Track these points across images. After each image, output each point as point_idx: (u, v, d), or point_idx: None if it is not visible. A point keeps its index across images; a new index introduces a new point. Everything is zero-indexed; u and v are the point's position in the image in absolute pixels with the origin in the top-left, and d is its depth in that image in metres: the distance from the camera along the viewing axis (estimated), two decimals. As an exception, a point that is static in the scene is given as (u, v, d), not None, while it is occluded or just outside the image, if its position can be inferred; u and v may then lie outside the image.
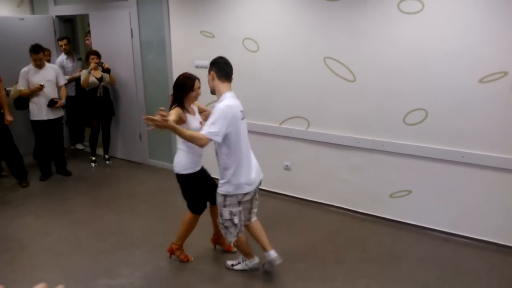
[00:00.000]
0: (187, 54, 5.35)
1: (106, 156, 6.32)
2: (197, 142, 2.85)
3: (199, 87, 3.41)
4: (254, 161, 3.21)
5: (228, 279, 3.39)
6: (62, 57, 6.49)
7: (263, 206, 4.72)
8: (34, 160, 6.15)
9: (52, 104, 5.38)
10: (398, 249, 3.81)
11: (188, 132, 2.88)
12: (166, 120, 2.70)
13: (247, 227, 3.36)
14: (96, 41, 6.27)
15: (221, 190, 3.06)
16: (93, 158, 6.22)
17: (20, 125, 5.71)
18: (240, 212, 3.10)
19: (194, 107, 3.54)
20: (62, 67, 6.36)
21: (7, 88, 5.50)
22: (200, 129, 3.09)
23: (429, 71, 3.80)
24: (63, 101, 5.52)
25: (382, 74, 4.04)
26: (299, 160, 4.79)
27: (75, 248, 3.89)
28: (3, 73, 5.35)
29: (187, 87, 3.33)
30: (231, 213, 3.07)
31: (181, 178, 3.43)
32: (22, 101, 5.47)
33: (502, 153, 3.64)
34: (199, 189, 3.48)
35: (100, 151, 6.38)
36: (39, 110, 5.38)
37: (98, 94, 5.88)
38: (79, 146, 7.08)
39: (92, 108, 5.99)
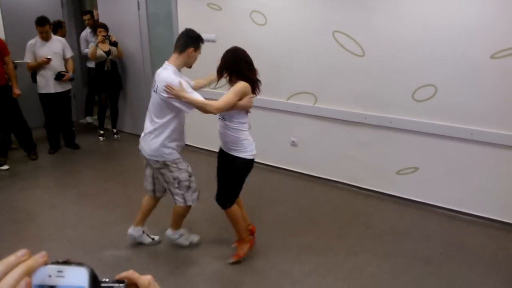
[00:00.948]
0: (194, 27, 5.23)
1: (114, 130, 6.34)
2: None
3: None
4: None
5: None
6: (87, 31, 6.55)
7: (269, 181, 4.75)
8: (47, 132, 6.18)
9: (59, 77, 5.38)
10: (403, 225, 3.81)
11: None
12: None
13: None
14: (103, 14, 6.22)
15: None
16: (101, 132, 6.25)
17: (29, 98, 5.73)
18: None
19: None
20: (86, 40, 6.48)
21: (15, 61, 5.50)
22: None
23: (439, 46, 3.71)
24: (70, 74, 5.51)
25: (392, 49, 3.96)
26: (306, 136, 4.76)
27: (82, 219, 3.94)
28: (11, 46, 5.34)
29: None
30: None
31: (244, 163, 3.14)
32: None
33: (510, 131, 3.58)
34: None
35: (108, 125, 6.41)
36: (46, 83, 5.39)
37: (106, 68, 5.87)
38: (88, 119, 7.12)
39: (100, 82, 5.98)
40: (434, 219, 3.92)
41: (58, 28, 5.94)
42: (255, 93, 3.06)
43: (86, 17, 6.57)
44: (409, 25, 3.81)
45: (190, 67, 3.15)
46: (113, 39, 5.86)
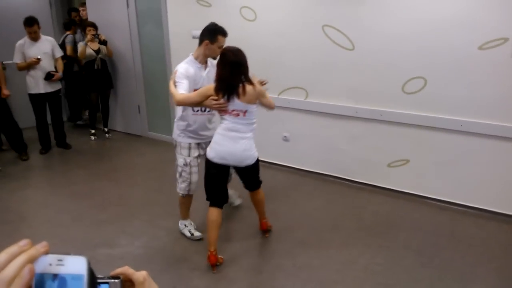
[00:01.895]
0: (184, 24, 5.28)
1: (106, 129, 6.31)
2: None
3: None
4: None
5: (225, 247, 3.43)
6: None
7: (262, 177, 4.74)
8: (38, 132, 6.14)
9: (49, 77, 5.34)
10: (395, 217, 3.84)
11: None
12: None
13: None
14: (92, 12, 6.18)
15: None
16: (93, 131, 6.22)
17: (19, 98, 5.69)
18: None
19: None
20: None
21: (4, 62, 5.47)
22: None
23: (428, 38, 3.73)
24: (60, 74, 5.47)
25: (381, 43, 3.98)
26: (298, 131, 4.77)
27: (75, 219, 3.93)
28: (-1, 46, 5.31)
29: None
30: None
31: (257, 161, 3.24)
32: None
33: (500, 121, 3.61)
34: None
35: (99, 124, 6.38)
36: (36, 84, 5.35)
37: (95, 67, 5.84)
38: (80, 122, 7.05)
39: (90, 81, 5.95)
40: (426, 211, 3.95)
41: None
42: (226, 96, 2.91)
43: (74, 14, 6.58)
44: (398, 18, 3.83)
45: (214, 58, 3.25)
46: (103, 37, 5.83)
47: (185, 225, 3.61)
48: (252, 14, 4.68)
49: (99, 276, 0.59)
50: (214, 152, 3.04)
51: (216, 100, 2.90)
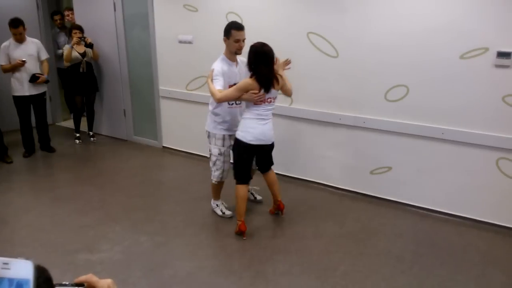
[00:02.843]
0: (171, 29, 5.28)
1: (91, 133, 6.27)
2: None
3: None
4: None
5: (204, 252, 3.43)
6: (55, 31, 6.59)
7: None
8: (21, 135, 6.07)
9: (34, 79, 5.30)
10: (376, 224, 3.86)
11: None
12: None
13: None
14: (79, 15, 6.15)
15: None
16: (77, 135, 6.17)
17: (3, 100, 5.63)
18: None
19: None
20: (55, 41, 6.57)
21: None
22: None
23: (410, 47, 3.78)
24: (45, 76, 5.43)
25: (365, 50, 4.01)
26: (282, 137, 4.76)
27: (56, 223, 3.89)
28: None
29: None
30: None
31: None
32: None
33: (481, 130, 3.66)
34: None
35: (84, 127, 6.32)
36: (21, 86, 5.30)
37: (81, 70, 5.80)
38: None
39: (75, 84, 5.92)
40: (407, 218, 3.97)
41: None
42: (265, 88, 3.34)
43: (57, 17, 6.58)
44: (381, 26, 3.87)
45: (236, 53, 3.60)
46: (89, 40, 5.80)
47: (217, 205, 3.99)
48: (238, 20, 4.67)
49: (63, 282, 0.59)
50: (251, 136, 3.45)
51: (255, 93, 3.30)
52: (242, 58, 3.65)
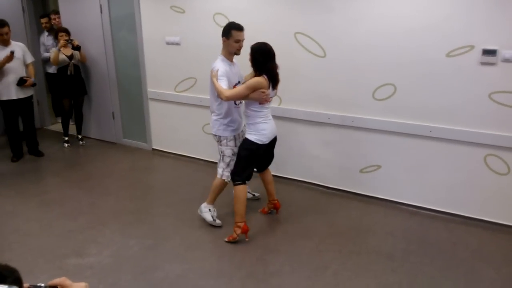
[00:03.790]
0: (158, 30, 5.25)
1: (79, 136, 6.22)
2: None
3: None
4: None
5: (194, 254, 3.41)
6: (44, 34, 6.54)
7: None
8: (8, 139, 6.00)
9: (21, 82, 5.24)
10: (366, 222, 3.87)
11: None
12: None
13: None
14: (65, 18, 6.10)
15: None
16: (66, 138, 6.12)
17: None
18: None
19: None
20: (44, 44, 6.50)
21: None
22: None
23: (397, 46, 3.80)
24: (32, 79, 5.38)
25: (352, 50, 4.02)
26: (272, 137, 4.77)
27: (45, 228, 3.85)
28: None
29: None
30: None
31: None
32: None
33: (468, 127, 3.68)
34: None
35: (73, 131, 6.28)
36: (7, 90, 5.23)
37: (68, 72, 5.75)
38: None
39: (63, 87, 5.87)
40: (397, 216, 3.99)
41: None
42: (273, 86, 3.43)
43: (44, 20, 6.51)
44: (368, 26, 3.88)
45: (234, 54, 3.59)
46: (76, 43, 5.76)
47: (209, 210, 3.87)
48: (225, 21, 4.65)
49: (38, 284, 0.58)
50: (265, 137, 3.51)
51: (264, 92, 3.32)
52: (234, 60, 3.67)
